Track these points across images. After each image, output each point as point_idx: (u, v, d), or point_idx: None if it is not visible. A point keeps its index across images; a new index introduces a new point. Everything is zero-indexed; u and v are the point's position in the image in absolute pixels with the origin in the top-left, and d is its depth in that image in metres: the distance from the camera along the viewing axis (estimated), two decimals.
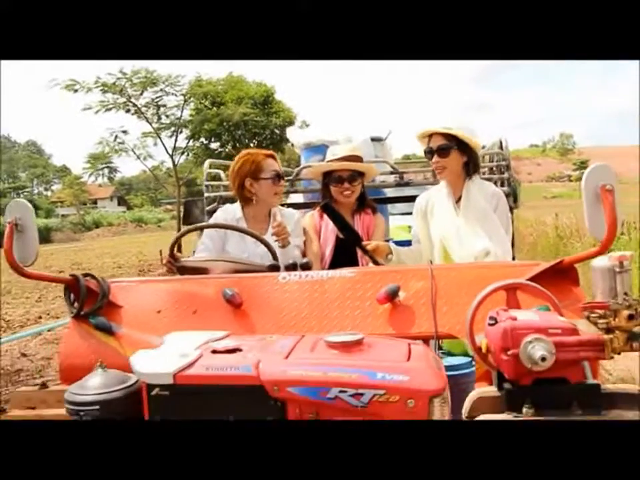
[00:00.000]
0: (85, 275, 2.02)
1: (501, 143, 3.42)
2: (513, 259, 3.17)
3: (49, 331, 8.56)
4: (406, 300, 1.86)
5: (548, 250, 11.61)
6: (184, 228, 2.50)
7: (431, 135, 2.71)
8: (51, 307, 10.96)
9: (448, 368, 1.48)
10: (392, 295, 1.84)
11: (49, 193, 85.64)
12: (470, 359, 2.29)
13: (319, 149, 3.92)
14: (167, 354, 1.36)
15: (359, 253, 2.83)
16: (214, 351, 1.36)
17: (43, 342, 7.85)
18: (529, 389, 1.34)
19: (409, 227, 5.11)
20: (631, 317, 1.30)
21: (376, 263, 2.50)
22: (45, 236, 38.37)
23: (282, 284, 1.97)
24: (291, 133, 4.42)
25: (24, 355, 7.06)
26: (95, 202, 70.20)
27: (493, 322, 1.41)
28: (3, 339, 7.97)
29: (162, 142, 17.29)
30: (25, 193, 78.32)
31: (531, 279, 1.74)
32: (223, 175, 3.74)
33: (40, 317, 9.92)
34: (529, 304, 1.63)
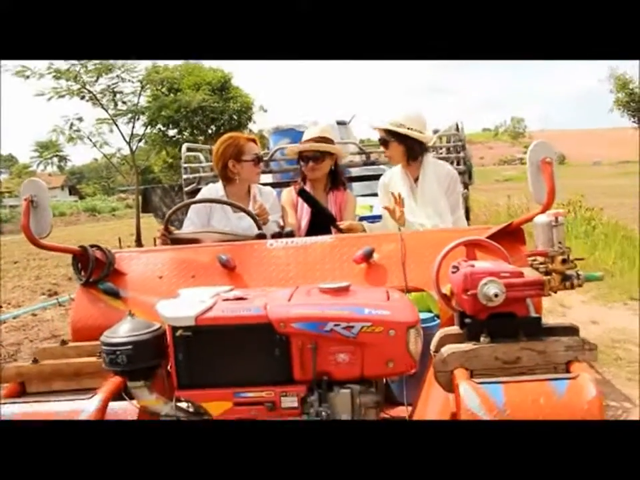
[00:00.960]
0: (92, 246, 2.24)
1: (457, 125, 3.75)
2: None
3: (14, 318, 8.59)
4: (379, 260, 2.16)
5: None
6: (181, 203, 2.74)
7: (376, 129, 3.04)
8: (12, 296, 10.91)
9: None
10: (367, 256, 2.13)
11: None
12: (432, 314, 2.61)
13: (287, 132, 4.21)
14: (187, 302, 1.61)
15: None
16: (226, 299, 1.63)
17: (10, 329, 7.90)
18: (485, 322, 1.65)
19: (371, 206, 5.46)
20: (564, 261, 1.62)
21: None
22: None
23: (270, 249, 2.24)
24: (259, 118, 4.66)
25: None
26: None
27: (455, 270, 1.71)
28: None
29: (119, 129, 17.12)
30: None
31: (488, 239, 2.05)
32: (202, 156, 3.97)
33: (0, 307, 9.91)
34: (484, 259, 1.94)
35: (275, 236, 2.37)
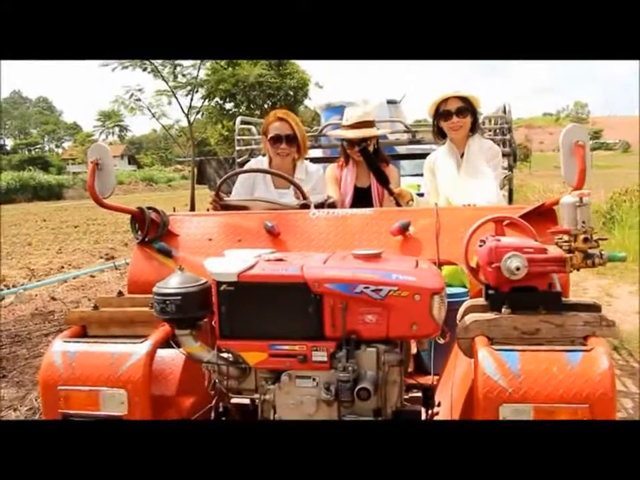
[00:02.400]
0: (149, 208, 2.43)
1: (504, 107, 3.79)
2: None
3: (74, 278, 9.04)
4: (415, 233, 2.27)
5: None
6: (231, 172, 2.91)
7: (446, 99, 3.10)
8: (72, 258, 11.46)
9: (447, 296, 1.79)
10: (403, 229, 2.24)
11: (60, 150, 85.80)
12: (466, 289, 2.71)
13: (338, 109, 4.33)
14: (231, 260, 1.77)
15: (374, 199, 3.25)
16: (267, 260, 1.78)
17: (70, 288, 8.35)
18: (507, 294, 1.75)
19: (418, 185, 5.54)
20: (586, 240, 1.70)
21: (399, 205, 2.91)
22: (57, 193, 38.72)
23: (312, 219, 2.38)
24: (314, 95, 4.79)
25: (54, 298, 7.54)
26: None
27: (482, 244, 1.82)
28: (32, 284, 8.47)
29: (177, 101, 17.53)
30: (37, 150, 78.50)
31: (519, 218, 2.14)
32: (254, 129, 4.14)
33: (62, 267, 10.41)
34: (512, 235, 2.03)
35: (318, 206, 2.50)
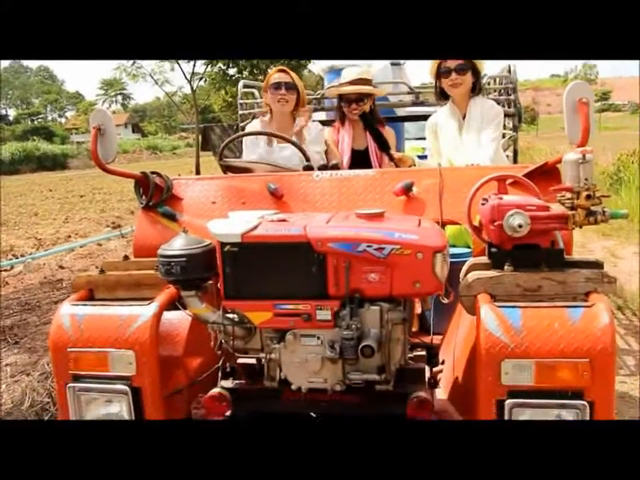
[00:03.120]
0: (152, 173, 2.44)
1: (509, 67, 3.74)
2: None
3: (81, 247, 9.11)
4: (418, 193, 2.27)
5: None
6: (234, 135, 2.91)
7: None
8: (79, 227, 11.52)
9: (451, 256, 1.82)
10: (407, 189, 2.25)
11: (64, 120, 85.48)
12: (470, 250, 2.72)
13: (341, 72, 4.26)
14: (235, 222, 1.78)
15: (372, 161, 3.25)
16: (270, 221, 1.79)
17: (77, 257, 8.42)
18: (509, 252, 1.76)
19: (423, 148, 5.50)
20: (588, 197, 1.70)
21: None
22: (62, 162, 38.66)
23: (316, 180, 2.38)
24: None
25: (62, 267, 7.61)
26: None
27: (484, 202, 1.82)
28: (42, 253, 8.54)
29: (180, 67, 17.39)
30: (40, 119, 78.23)
31: (523, 177, 2.13)
32: (257, 93, 4.11)
33: (69, 236, 10.48)
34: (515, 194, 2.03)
35: (321, 168, 2.50)
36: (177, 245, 1.77)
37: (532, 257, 1.75)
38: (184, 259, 1.73)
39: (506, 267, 1.75)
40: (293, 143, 2.71)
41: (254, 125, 3.26)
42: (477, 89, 3.10)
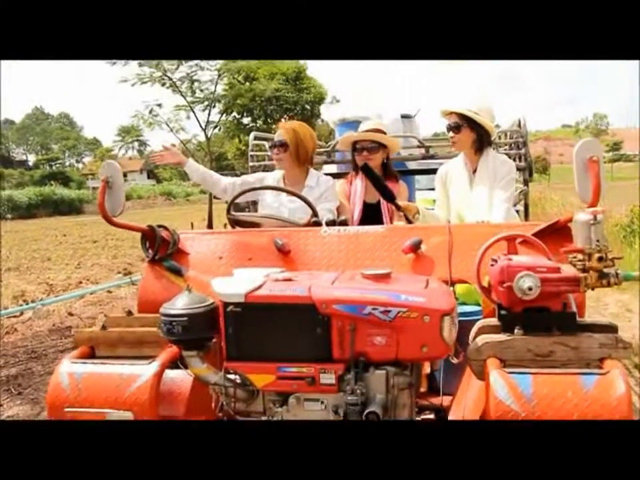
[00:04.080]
0: (159, 226, 2.42)
1: (519, 121, 3.75)
2: None
3: (91, 294, 9.10)
4: (427, 251, 2.23)
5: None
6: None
7: (450, 113, 3.08)
8: (90, 273, 11.54)
9: (461, 314, 1.81)
10: (415, 247, 2.21)
11: (81, 165, 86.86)
12: (480, 308, 2.66)
13: (353, 124, 4.29)
14: (239, 281, 1.75)
15: (384, 215, 3.22)
16: (275, 280, 1.76)
17: (87, 303, 8.40)
18: (520, 315, 1.71)
19: (433, 200, 5.48)
20: (600, 259, 1.66)
21: (407, 219, 2.89)
22: (77, 207, 39.19)
23: (323, 236, 2.36)
24: (326, 110, 4.78)
25: (71, 314, 7.59)
26: (125, 175, 70.49)
27: (494, 263, 1.78)
28: (52, 299, 8.53)
29: (195, 115, 17.73)
30: (58, 165, 79.59)
31: (533, 235, 2.10)
32: (267, 145, 4.14)
33: (80, 282, 10.50)
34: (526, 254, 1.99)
35: (330, 224, 2.48)
36: (179, 304, 1.74)
37: (543, 320, 1.70)
38: (186, 318, 1.70)
39: (516, 331, 1.70)
40: (302, 199, 2.70)
41: (274, 176, 3.26)
42: (483, 144, 3.07)
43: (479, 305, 2.71)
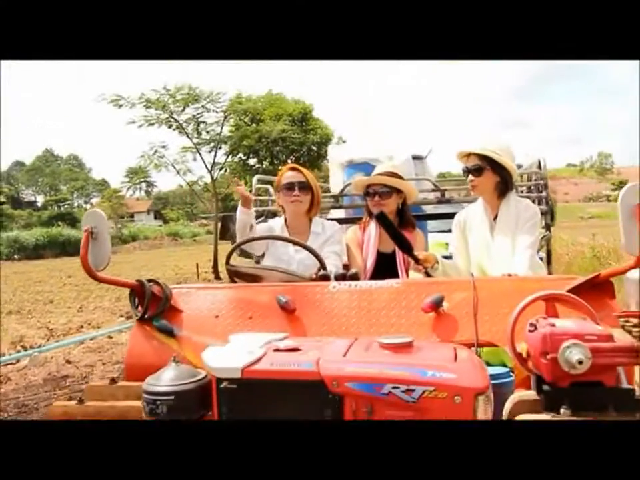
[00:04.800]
0: (150, 281, 2.18)
1: (539, 162, 3.52)
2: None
3: (91, 339, 8.83)
4: (449, 309, 1.98)
5: (584, 270, 11.51)
6: (241, 239, 2.66)
7: (468, 155, 2.85)
8: (92, 317, 11.28)
9: None
10: (436, 305, 1.96)
11: (89, 206, 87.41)
12: (507, 369, 2.39)
13: (362, 166, 4.09)
14: (235, 351, 1.50)
15: (399, 266, 2.96)
16: (277, 350, 1.50)
17: (86, 350, 8.11)
18: (567, 391, 1.44)
19: (446, 244, 5.22)
20: None
21: (426, 271, 2.63)
22: None
23: (332, 292, 2.11)
24: (333, 151, 4.58)
25: (68, 362, 7.31)
26: (132, 215, 71.51)
27: (532, 329, 1.52)
28: (48, 346, 8.26)
29: (201, 157, 17.64)
30: (66, 206, 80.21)
31: (569, 292, 1.84)
32: (271, 189, 3.93)
33: (81, 327, 10.23)
34: (567, 315, 1.73)
35: (339, 278, 2.23)
36: (165, 379, 1.48)
37: (595, 397, 1.43)
38: (172, 397, 1.45)
39: (562, 410, 1.43)
40: (309, 249, 2.47)
41: (275, 223, 3.06)
42: (507, 188, 2.84)
43: (505, 365, 2.44)
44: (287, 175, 3.01)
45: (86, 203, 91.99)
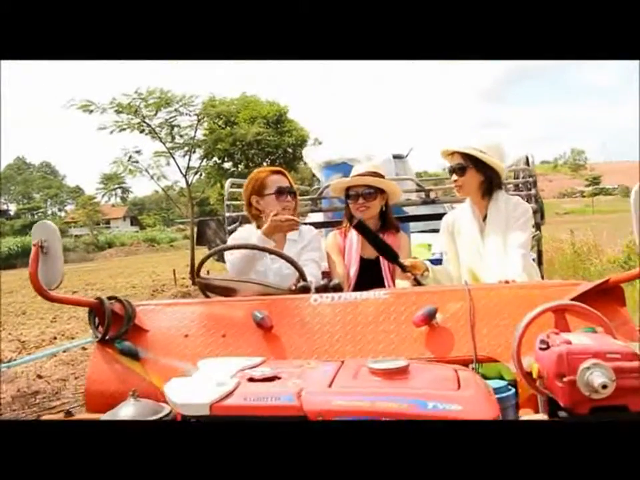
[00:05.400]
0: (110, 298, 1.96)
1: (527, 158, 3.36)
2: (542, 277, 3.10)
3: (64, 352, 8.52)
4: (443, 322, 1.79)
5: (566, 267, 11.47)
6: (213, 249, 2.42)
7: (452, 153, 2.68)
8: (66, 328, 10.95)
9: None
10: (429, 317, 1.76)
11: (63, 214, 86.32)
12: (505, 382, 2.20)
13: (340, 167, 3.88)
14: (202, 383, 1.29)
15: (385, 273, 2.77)
16: (251, 379, 1.30)
17: (59, 363, 7.82)
18: (587, 417, 1.26)
19: (429, 245, 5.01)
20: None
21: (415, 278, 2.42)
22: None
23: (314, 306, 1.90)
24: (309, 152, 4.36)
25: (40, 376, 7.01)
26: (108, 222, 70.70)
27: (544, 346, 1.33)
28: (19, 360, 7.95)
29: (175, 162, 17.26)
30: (39, 214, 79.11)
31: (574, 300, 1.66)
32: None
33: (55, 338, 9.91)
34: (575, 326, 1.55)
35: (320, 290, 2.03)
36: (123, 417, 1.27)
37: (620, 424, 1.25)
38: None
39: None
40: (287, 259, 2.26)
41: (249, 231, 2.79)
42: (492, 186, 2.66)
43: (502, 378, 2.26)
44: (272, 178, 2.76)
45: (60, 210, 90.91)
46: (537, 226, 3.24)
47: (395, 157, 3.97)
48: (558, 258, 12.50)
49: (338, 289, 2.05)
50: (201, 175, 20.32)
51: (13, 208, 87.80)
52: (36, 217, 72.10)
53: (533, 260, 3.03)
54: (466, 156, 2.62)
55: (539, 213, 3.23)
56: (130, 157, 17.80)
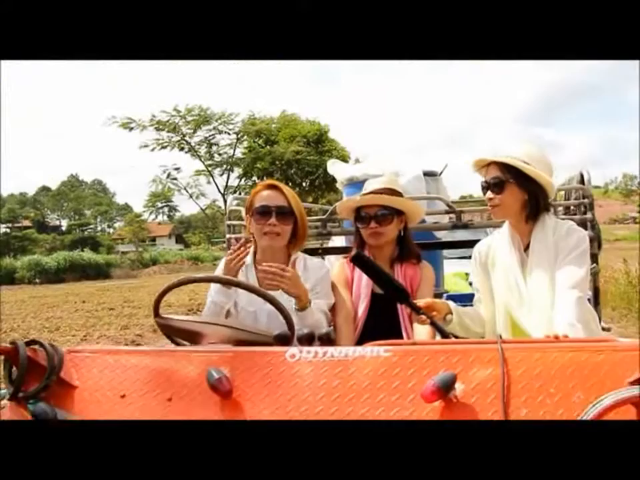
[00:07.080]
0: (29, 343, 1.52)
1: (582, 176, 2.81)
2: (599, 320, 2.54)
3: None
4: (465, 396, 1.27)
5: (619, 298, 10.75)
6: (173, 281, 1.92)
7: (488, 165, 2.17)
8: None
9: None
10: (444, 389, 1.24)
11: (111, 230, 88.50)
12: None
13: (364, 184, 3.40)
14: None
15: (400, 312, 2.26)
16: None
17: None
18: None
19: (466, 274, 4.40)
20: None
21: (434, 324, 1.90)
22: (105, 271, 39.19)
23: (290, 364, 1.40)
24: (332, 167, 3.89)
25: None
26: (153, 239, 71.77)
27: None
28: None
29: (214, 180, 17.19)
30: (89, 230, 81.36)
31: None
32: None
33: None
34: None
35: (302, 340, 1.54)
36: None
37: None
38: None
39: None
40: (272, 302, 1.77)
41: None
42: (538, 208, 2.15)
43: None
44: (261, 195, 2.28)
45: (109, 227, 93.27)
46: (594, 257, 2.68)
47: (427, 174, 3.46)
48: (610, 289, 11.66)
49: (326, 339, 1.56)
50: (240, 193, 20.27)
51: (64, 223, 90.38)
52: (86, 232, 73.79)
53: (589, 300, 2.46)
54: (505, 167, 2.11)
55: (596, 241, 2.68)
56: (169, 175, 17.82)
